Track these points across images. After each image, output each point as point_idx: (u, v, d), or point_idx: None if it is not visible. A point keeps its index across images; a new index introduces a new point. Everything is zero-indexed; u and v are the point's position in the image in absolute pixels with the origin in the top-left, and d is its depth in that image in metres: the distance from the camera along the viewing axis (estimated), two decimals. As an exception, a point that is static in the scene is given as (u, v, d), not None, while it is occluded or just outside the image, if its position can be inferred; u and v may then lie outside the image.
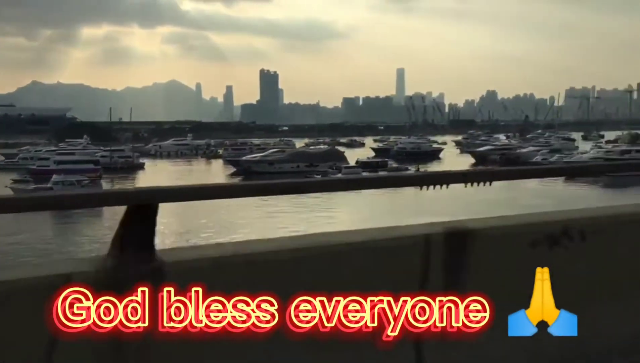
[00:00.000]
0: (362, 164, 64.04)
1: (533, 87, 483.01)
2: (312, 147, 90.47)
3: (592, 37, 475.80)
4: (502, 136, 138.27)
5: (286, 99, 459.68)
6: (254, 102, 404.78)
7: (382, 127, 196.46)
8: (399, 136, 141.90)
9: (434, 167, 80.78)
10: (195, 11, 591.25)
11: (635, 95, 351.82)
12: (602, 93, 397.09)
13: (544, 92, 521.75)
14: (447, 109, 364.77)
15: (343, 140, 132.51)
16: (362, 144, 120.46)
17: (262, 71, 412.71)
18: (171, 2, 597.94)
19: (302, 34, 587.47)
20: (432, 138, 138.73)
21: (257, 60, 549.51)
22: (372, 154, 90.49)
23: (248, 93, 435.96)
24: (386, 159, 67.41)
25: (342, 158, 69.09)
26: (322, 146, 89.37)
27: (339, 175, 55.33)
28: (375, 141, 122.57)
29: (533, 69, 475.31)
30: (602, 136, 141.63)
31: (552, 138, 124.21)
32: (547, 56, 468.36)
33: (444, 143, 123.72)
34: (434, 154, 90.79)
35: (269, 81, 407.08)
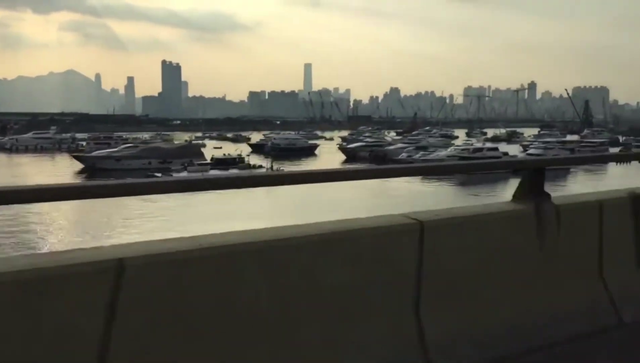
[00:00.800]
0: (216, 162, 60.90)
1: (434, 85, 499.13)
2: (176, 142, 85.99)
3: (492, 37, 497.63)
4: (392, 133, 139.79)
5: (191, 92, 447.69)
6: (156, 94, 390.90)
7: (278, 122, 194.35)
8: (295, 130, 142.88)
9: (308, 164, 78.98)
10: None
11: (526, 94, 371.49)
12: (496, 92, 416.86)
13: (446, 89, 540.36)
14: (351, 105, 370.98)
15: (229, 135, 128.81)
16: (248, 139, 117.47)
17: (163, 62, 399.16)
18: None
19: (207, 26, 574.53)
20: (327, 134, 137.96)
21: (160, 50, 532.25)
22: (249, 149, 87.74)
23: (150, 85, 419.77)
24: (243, 156, 64.53)
25: (199, 154, 65.64)
26: (178, 142, 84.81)
27: (183, 174, 52.04)
28: (264, 135, 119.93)
29: (436, 67, 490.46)
30: (485, 133, 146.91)
31: (437, 134, 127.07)
32: (449, 55, 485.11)
33: (331, 139, 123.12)
34: (309, 150, 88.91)
35: (171, 72, 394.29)
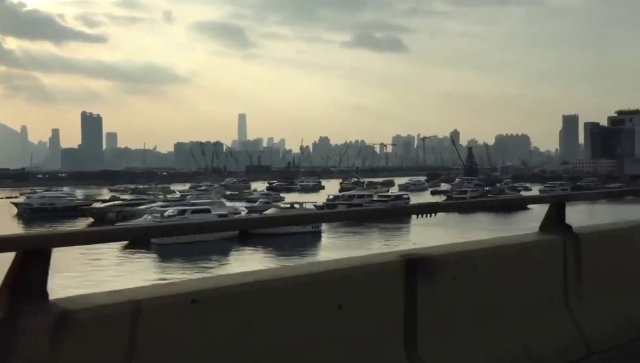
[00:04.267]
0: None
1: (364, 135, 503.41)
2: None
3: (424, 89, 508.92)
4: (263, 185, 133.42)
5: (120, 143, 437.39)
6: (76, 146, 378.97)
7: (165, 174, 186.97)
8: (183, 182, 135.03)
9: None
10: (20, 50, 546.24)
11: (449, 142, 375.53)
12: (428, 141, 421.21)
13: (376, 139, 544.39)
14: (281, 155, 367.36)
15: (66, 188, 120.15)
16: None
17: (83, 114, 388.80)
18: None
19: (141, 77, 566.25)
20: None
21: (89, 102, 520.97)
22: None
23: (73, 137, 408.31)
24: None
25: None
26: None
27: None
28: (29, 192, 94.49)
29: (367, 118, 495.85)
30: (359, 180, 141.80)
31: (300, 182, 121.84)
32: (381, 105, 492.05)
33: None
34: (74, 211, 69.48)
35: (91, 124, 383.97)
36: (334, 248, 42.19)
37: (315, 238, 47.17)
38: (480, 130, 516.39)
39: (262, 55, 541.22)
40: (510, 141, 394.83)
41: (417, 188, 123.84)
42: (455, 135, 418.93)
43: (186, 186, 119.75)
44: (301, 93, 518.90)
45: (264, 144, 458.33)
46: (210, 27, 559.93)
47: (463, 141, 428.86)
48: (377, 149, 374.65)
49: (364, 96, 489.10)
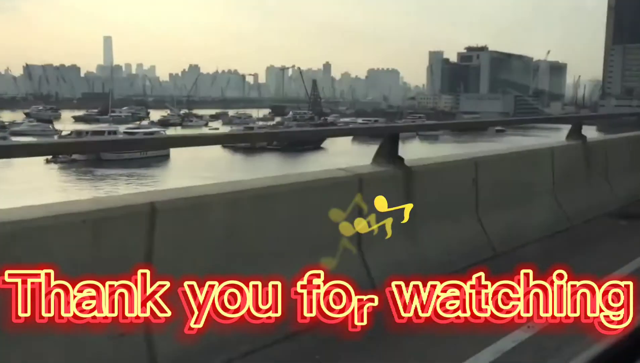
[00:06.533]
0: None
1: (236, 64, 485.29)
2: None
3: (300, 19, 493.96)
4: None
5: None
6: None
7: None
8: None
9: None
10: None
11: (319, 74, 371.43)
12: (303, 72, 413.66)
13: (249, 69, 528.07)
14: (148, 82, 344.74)
15: None
16: None
17: None
18: None
19: None
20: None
21: None
22: None
23: None
24: None
25: None
26: None
27: None
28: None
29: (239, 46, 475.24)
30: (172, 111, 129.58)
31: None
32: (254, 35, 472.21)
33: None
34: None
35: None
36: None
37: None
38: (353, 62, 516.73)
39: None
40: (381, 75, 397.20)
41: (242, 121, 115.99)
42: (327, 67, 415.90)
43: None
44: (174, 16, 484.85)
45: (133, 70, 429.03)
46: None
47: (336, 73, 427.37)
48: (251, 80, 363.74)
49: (239, 22, 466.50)
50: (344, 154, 59.39)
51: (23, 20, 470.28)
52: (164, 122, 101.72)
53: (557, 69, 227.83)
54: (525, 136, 65.32)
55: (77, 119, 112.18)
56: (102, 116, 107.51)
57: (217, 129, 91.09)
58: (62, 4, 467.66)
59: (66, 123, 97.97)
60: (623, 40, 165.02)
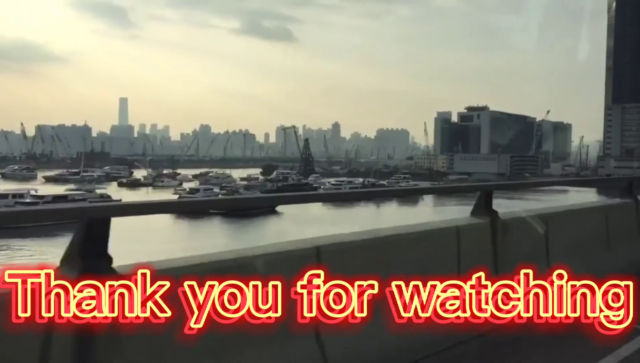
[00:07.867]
0: None
1: (247, 124, 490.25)
2: None
3: (310, 81, 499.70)
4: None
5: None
6: None
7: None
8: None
9: None
10: None
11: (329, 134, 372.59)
12: (309, 132, 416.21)
13: (260, 129, 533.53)
14: (159, 142, 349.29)
15: None
16: None
17: None
18: None
19: (11, 55, 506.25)
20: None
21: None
22: None
23: None
24: None
25: None
26: None
27: None
28: None
29: (250, 107, 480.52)
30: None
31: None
32: (266, 96, 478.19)
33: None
34: None
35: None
36: None
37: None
38: (363, 123, 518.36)
39: (147, 37, 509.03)
40: (391, 134, 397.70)
41: (218, 182, 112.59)
42: (336, 127, 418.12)
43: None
44: (187, 79, 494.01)
45: (147, 130, 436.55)
46: (91, 4, 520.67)
47: (346, 133, 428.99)
48: (262, 140, 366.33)
49: (251, 84, 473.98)
50: (297, 221, 55.02)
51: (44, 83, 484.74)
52: (134, 183, 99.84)
53: (562, 130, 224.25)
54: (511, 200, 61.36)
55: (47, 179, 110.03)
56: (74, 177, 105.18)
57: (185, 190, 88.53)
58: (82, 66, 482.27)
59: (36, 184, 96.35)
60: (622, 100, 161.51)
